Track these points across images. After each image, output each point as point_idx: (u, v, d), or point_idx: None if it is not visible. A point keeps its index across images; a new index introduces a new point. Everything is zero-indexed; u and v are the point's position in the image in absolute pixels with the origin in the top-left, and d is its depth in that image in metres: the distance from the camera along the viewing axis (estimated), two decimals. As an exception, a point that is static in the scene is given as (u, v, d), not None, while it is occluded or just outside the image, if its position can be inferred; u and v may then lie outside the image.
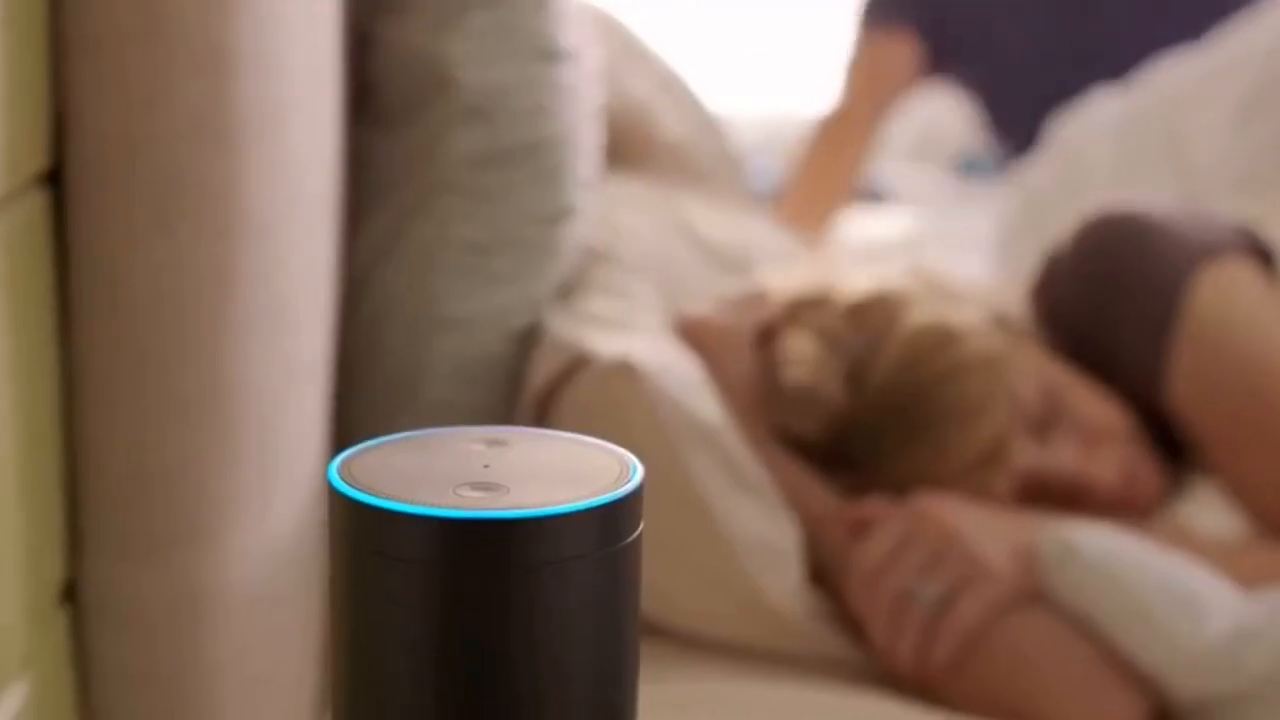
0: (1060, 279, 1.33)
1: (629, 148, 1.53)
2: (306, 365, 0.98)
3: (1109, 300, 1.29)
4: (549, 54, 1.23)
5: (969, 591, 1.11)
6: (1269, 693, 1.06)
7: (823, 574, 1.19)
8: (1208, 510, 1.26)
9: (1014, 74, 2.24)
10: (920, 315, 1.23)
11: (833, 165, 2.26)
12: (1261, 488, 1.23)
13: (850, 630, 1.17)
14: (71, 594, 0.86)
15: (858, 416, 1.21)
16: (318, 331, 1.01)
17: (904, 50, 2.29)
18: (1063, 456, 1.24)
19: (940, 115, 2.63)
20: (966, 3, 2.31)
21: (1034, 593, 1.12)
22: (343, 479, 0.45)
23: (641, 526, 0.46)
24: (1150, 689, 1.08)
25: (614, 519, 0.45)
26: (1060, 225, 1.39)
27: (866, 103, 2.29)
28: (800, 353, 1.22)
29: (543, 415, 1.19)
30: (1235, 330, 1.24)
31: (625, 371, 1.16)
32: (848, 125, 2.28)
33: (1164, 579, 1.09)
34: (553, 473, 0.47)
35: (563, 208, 1.26)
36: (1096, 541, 1.11)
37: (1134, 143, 1.70)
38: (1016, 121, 2.21)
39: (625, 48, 1.62)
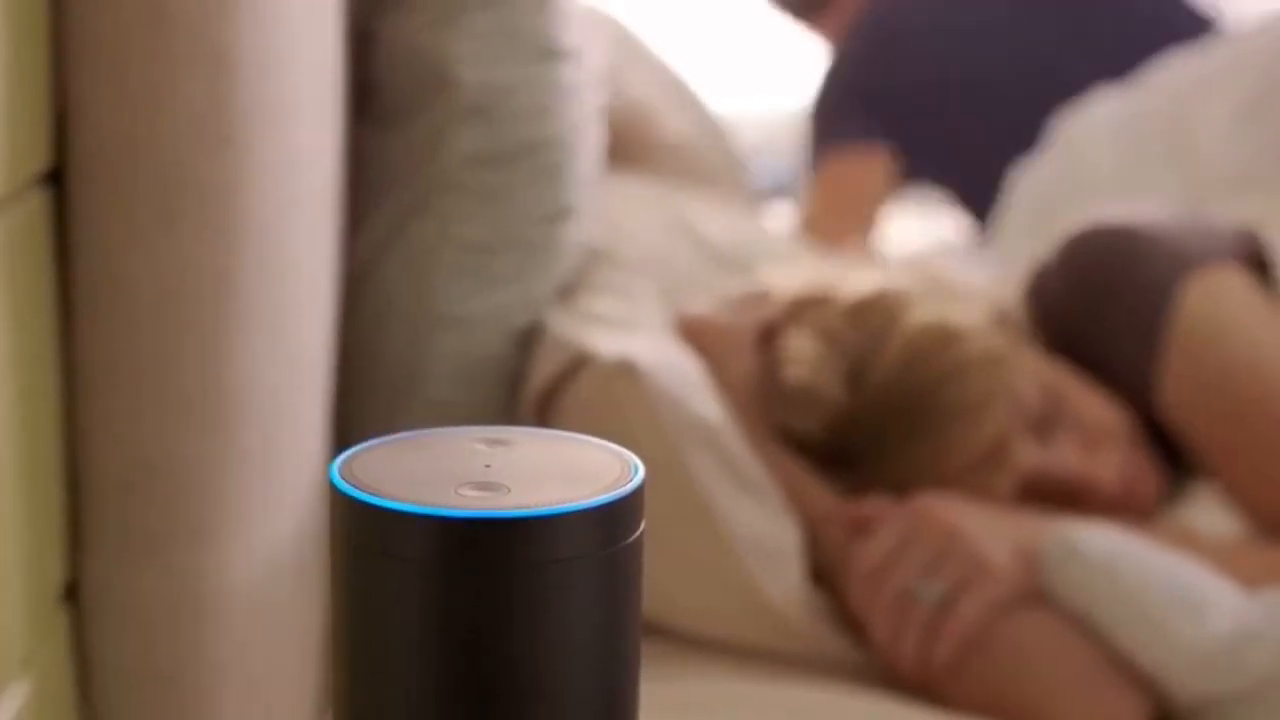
0: (1048, 292, 1.33)
1: (630, 147, 1.53)
2: (307, 364, 0.98)
3: (1098, 312, 1.29)
4: (550, 53, 1.23)
5: (970, 591, 1.11)
6: (1270, 693, 1.06)
7: (824, 574, 1.19)
8: (1207, 511, 1.26)
9: (983, 163, 2.06)
10: (921, 315, 1.23)
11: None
12: (1256, 489, 1.23)
13: (851, 630, 1.17)
14: (72, 594, 0.86)
15: (859, 416, 1.21)
16: (318, 330, 1.01)
17: (875, 164, 2.13)
18: (1064, 456, 1.23)
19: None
20: (921, 99, 2.17)
21: (1035, 593, 1.12)
22: (344, 479, 0.45)
23: (643, 526, 0.46)
24: (1151, 689, 1.08)
25: (615, 518, 0.45)
26: (1061, 225, 1.38)
27: (840, 223, 2.09)
28: (801, 352, 1.22)
29: (543, 415, 1.19)
30: (1223, 337, 1.24)
31: (626, 371, 1.16)
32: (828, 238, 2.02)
33: (1165, 579, 1.09)
34: (554, 472, 0.47)
35: (563, 207, 1.26)
36: (1098, 541, 1.11)
37: (1135, 142, 1.70)
38: (987, 196, 2.04)
39: (627, 47, 1.62)
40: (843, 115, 2.18)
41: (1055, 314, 1.32)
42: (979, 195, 2.07)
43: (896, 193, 2.19)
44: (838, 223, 2.08)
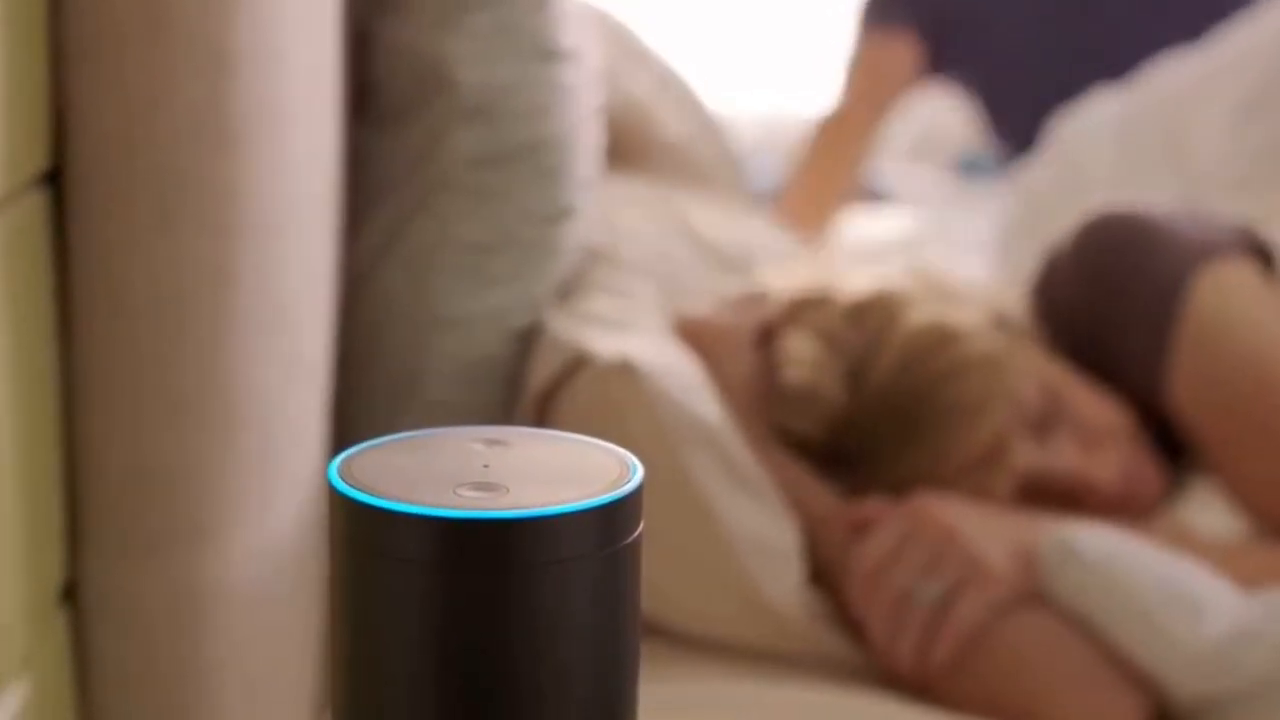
0: (1060, 279, 1.33)
1: (629, 148, 1.53)
2: (306, 365, 0.98)
3: (1109, 300, 1.29)
4: (549, 54, 1.23)
5: (968, 592, 1.11)
6: (1268, 693, 1.06)
7: (822, 574, 1.19)
8: (1207, 510, 1.26)
9: (1014, 73, 2.25)
10: (920, 315, 1.23)
11: (832, 166, 2.27)
12: (1261, 487, 1.23)
13: (850, 630, 1.17)
14: (71, 594, 0.86)
15: (857, 416, 1.21)
16: (318, 331, 1.01)
17: (904, 50, 2.30)
18: (1062, 456, 1.23)
19: (940, 115, 2.63)
20: (966, 2, 2.32)
21: (1033, 593, 1.12)
22: (343, 479, 0.45)
23: (642, 526, 0.46)
24: (1149, 689, 1.08)
25: (614, 519, 0.45)
26: (1060, 225, 1.38)
27: (866, 103, 2.30)
28: (800, 353, 1.22)
29: (542, 415, 1.19)
30: (1235, 330, 1.24)
31: (625, 371, 1.16)
32: (847, 126, 2.29)
33: (1163, 579, 1.09)
34: (553, 473, 0.47)
35: (563, 207, 1.26)
36: (1096, 542, 1.11)
37: (1133, 143, 1.70)
38: (1017, 121, 2.21)
39: (625, 47, 1.62)
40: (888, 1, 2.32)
41: (1065, 302, 1.33)
42: (1008, 116, 2.22)
43: (919, 83, 2.34)
44: (862, 108, 2.28)
